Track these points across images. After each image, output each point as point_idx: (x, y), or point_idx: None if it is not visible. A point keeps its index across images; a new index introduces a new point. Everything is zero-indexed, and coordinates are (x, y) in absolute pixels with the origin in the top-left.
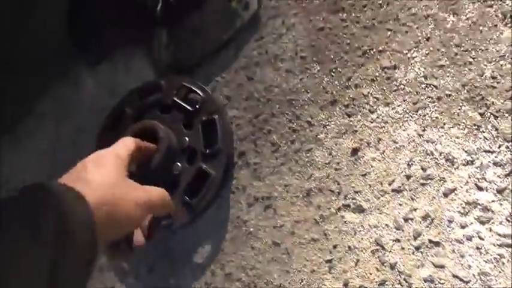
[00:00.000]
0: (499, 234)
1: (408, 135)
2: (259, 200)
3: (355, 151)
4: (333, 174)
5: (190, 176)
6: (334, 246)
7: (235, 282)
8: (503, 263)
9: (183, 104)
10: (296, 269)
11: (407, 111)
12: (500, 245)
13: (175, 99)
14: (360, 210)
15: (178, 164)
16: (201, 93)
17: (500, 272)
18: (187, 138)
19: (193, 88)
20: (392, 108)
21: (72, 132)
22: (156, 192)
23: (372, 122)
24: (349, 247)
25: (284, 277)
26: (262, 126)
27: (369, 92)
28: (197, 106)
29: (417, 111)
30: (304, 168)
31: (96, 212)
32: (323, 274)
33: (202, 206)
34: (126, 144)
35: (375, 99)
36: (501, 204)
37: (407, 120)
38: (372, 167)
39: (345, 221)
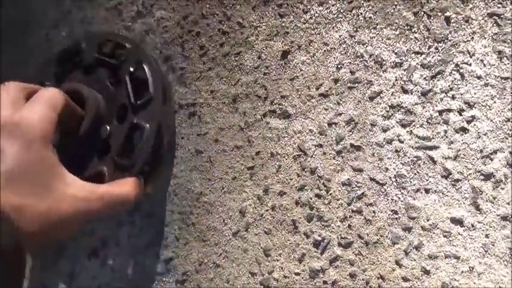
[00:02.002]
0: (418, 137)
1: (340, 36)
2: (184, 107)
3: (285, 54)
4: (261, 79)
5: (122, 136)
6: (257, 153)
7: (156, 191)
8: (419, 165)
9: (106, 59)
10: (217, 177)
11: (342, 10)
12: (418, 148)
13: (97, 55)
14: (286, 115)
15: (106, 126)
16: (127, 45)
17: (415, 174)
18: (115, 96)
19: (118, 41)
20: (327, 8)
21: None
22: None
23: (304, 23)
24: (272, 153)
25: (205, 185)
26: (191, 28)
27: None
28: (122, 58)
29: (351, 11)
30: (232, 72)
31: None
32: (244, 181)
33: (138, 165)
34: (52, 100)
35: None
36: (424, 107)
37: (340, 21)
38: (300, 70)
39: (270, 127)
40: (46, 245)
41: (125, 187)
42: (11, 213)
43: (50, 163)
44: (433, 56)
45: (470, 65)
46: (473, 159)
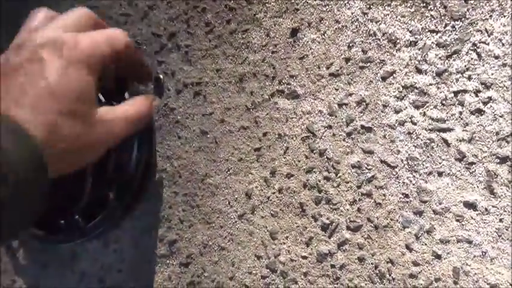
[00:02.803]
0: (432, 119)
1: (352, 14)
2: (189, 86)
3: (294, 32)
4: (269, 58)
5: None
6: (264, 134)
7: (160, 172)
8: (432, 148)
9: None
10: (223, 158)
11: None
12: (431, 130)
13: None
14: (294, 96)
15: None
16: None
17: (428, 156)
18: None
19: None
20: None
21: None
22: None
23: (315, 0)
24: (280, 135)
25: (210, 166)
26: (197, 4)
27: None
28: None
29: None
30: (239, 51)
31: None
32: (251, 163)
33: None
34: (113, 40)
35: None
36: (438, 88)
37: None
38: (310, 49)
39: (278, 108)
40: (71, 167)
41: (139, 103)
42: (40, 128)
43: (90, 88)
44: (450, 35)
45: (488, 44)
46: (489, 141)
